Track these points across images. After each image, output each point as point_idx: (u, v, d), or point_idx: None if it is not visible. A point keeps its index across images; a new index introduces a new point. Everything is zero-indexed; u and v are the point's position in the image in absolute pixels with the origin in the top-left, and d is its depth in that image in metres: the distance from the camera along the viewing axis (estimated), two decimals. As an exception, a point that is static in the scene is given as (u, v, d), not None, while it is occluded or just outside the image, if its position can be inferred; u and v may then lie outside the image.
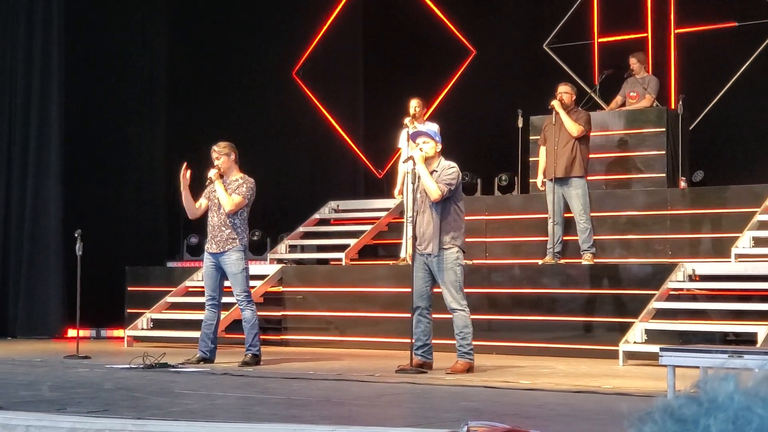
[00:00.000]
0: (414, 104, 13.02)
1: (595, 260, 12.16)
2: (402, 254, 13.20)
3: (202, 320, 10.51)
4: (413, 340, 9.39)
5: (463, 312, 9.26)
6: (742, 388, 1.67)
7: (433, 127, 12.91)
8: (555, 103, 12.22)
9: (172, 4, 16.91)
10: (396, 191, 13.70)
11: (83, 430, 5.81)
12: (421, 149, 9.39)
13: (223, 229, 10.21)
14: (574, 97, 12.46)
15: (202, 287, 10.87)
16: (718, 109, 14.92)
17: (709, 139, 14.45)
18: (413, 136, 9.80)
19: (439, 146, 9.52)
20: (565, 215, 12.41)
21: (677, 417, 1.65)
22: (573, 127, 12.06)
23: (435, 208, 9.29)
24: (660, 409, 1.68)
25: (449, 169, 9.34)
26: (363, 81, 18.07)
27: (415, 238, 9.46)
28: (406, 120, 12.83)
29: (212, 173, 10.24)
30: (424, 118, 13.30)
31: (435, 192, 9.20)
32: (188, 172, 10.22)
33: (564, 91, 12.35)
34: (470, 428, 4.87)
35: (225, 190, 10.19)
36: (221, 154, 10.28)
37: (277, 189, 16.65)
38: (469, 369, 9.29)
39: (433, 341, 9.55)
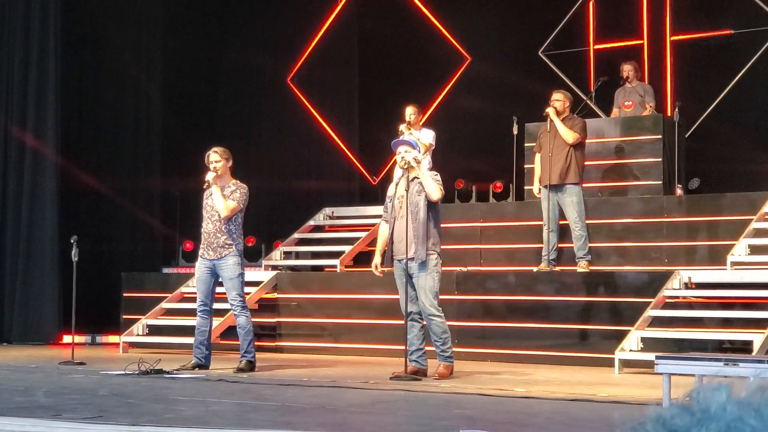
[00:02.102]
0: (410, 111, 13.01)
1: (591, 268, 12.12)
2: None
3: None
4: (407, 347, 9.42)
5: (440, 319, 9.43)
6: (734, 398, 1.66)
7: (430, 134, 12.95)
8: (550, 110, 12.18)
9: (168, 11, 16.89)
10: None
11: (77, 436, 5.80)
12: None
13: (219, 235, 10.19)
14: (568, 104, 12.36)
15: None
16: (714, 117, 14.92)
17: (705, 146, 14.44)
18: (394, 145, 9.86)
19: (420, 155, 9.71)
20: (561, 222, 12.39)
21: (669, 427, 1.65)
22: (568, 135, 12.03)
23: (428, 212, 9.37)
24: (652, 419, 1.67)
25: (435, 176, 9.58)
26: (358, 87, 18.05)
27: (391, 243, 9.52)
28: (402, 127, 12.83)
29: (210, 176, 10.21)
30: (420, 125, 13.30)
31: (437, 192, 9.42)
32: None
33: (556, 98, 12.30)
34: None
35: (222, 195, 10.17)
36: (222, 158, 10.25)
37: (272, 195, 16.65)
38: (451, 372, 9.57)
39: (426, 348, 9.57)
